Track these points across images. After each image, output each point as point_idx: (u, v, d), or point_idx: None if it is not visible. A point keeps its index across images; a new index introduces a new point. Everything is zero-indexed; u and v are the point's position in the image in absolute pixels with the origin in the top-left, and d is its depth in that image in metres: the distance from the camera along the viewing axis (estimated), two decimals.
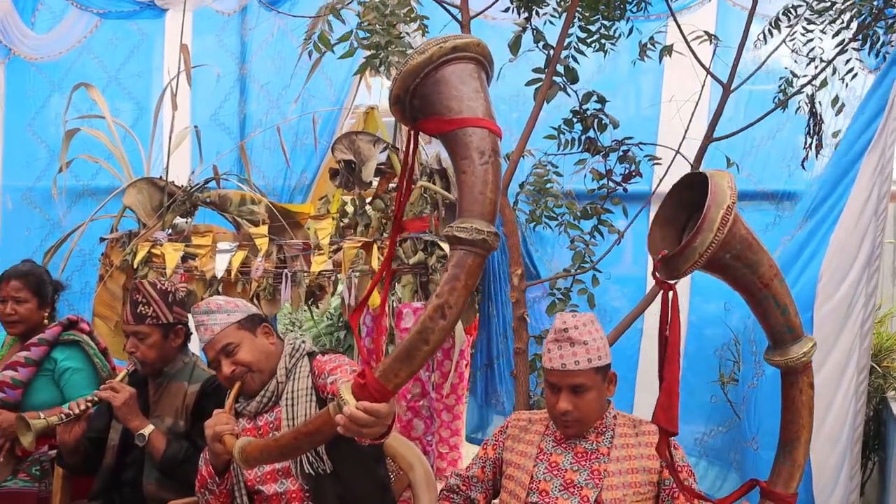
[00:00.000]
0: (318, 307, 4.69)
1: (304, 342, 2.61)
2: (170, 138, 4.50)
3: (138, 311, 2.87)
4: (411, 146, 1.77)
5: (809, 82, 3.22)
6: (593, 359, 2.29)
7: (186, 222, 4.58)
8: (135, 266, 4.23)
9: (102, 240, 4.46)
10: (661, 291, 1.74)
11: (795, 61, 3.41)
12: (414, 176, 3.70)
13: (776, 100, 3.33)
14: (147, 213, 4.40)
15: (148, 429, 2.75)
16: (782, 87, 3.32)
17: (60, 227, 5.70)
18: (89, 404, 2.78)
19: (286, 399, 2.45)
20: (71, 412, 2.74)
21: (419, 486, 2.73)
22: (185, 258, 4.24)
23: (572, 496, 2.29)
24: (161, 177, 4.48)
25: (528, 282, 3.13)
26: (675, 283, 1.71)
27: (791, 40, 3.42)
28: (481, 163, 1.57)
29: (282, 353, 2.54)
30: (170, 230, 4.40)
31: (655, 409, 1.76)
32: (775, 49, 3.30)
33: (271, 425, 2.48)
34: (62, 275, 4.49)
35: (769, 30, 3.41)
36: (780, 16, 3.37)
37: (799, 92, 3.27)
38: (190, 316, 2.74)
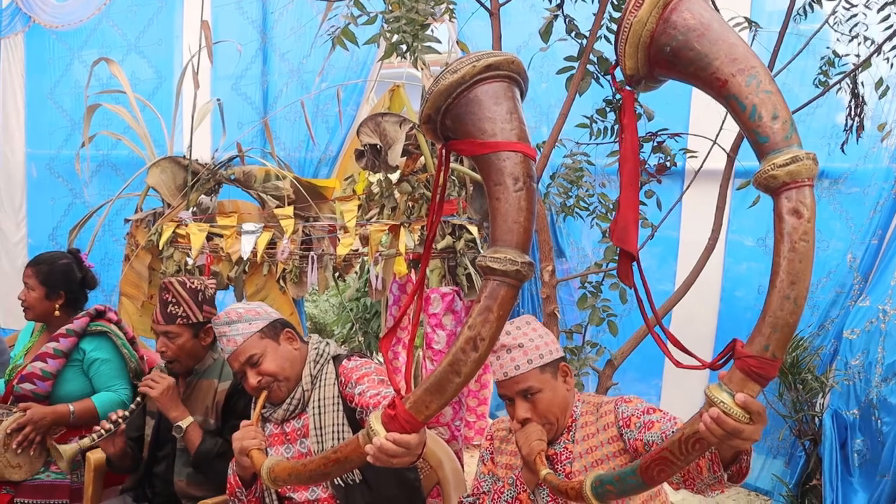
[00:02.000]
0: (343, 280, 4.66)
1: (328, 345, 2.56)
2: (192, 117, 4.43)
3: (168, 310, 2.85)
4: (443, 166, 1.70)
5: (857, 67, 3.08)
6: (533, 358, 2.20)
7: (211, 200, 4.54)
8: (160, 246, 4.21)
9: (127, 221, 4.43)
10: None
11: (838, 39, 3.27)
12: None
13: (816, 81, 3.19)
14: (171, 193, 4.36)
15: (186, 420, 2.75)
16: (823, 67, 3.17)
17: (82, 197, 5.72)
18: (121, 419, 2.77)
19: (313, 407, 2.42)
20: (102, 430, 2.74)
21: (448, 484, 2.71)
22: (210, 237, 4.21)
23: None
24: (184, 155, 4.42)
25: (559, 277, 3.05)
26: (632, 90, 1.57)
27: (833, 14, 3.28)
28: (515, 189, 1.52)
29: (306, 358, 2.50)
30: (195, 208, 4.36)
31: (609, 227, 1.60)
32: (817, 31, 3.16)
33: (299, 432, 2.46)
34: (89, 254, 4.48)
35: (810, 3, 3.27)
36: None
37: (843, 76, 3.13)
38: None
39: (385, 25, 2.60)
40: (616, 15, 2.97)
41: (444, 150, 1.68)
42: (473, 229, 3.74)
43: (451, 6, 2.84)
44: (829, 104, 3.67)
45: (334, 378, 2.45)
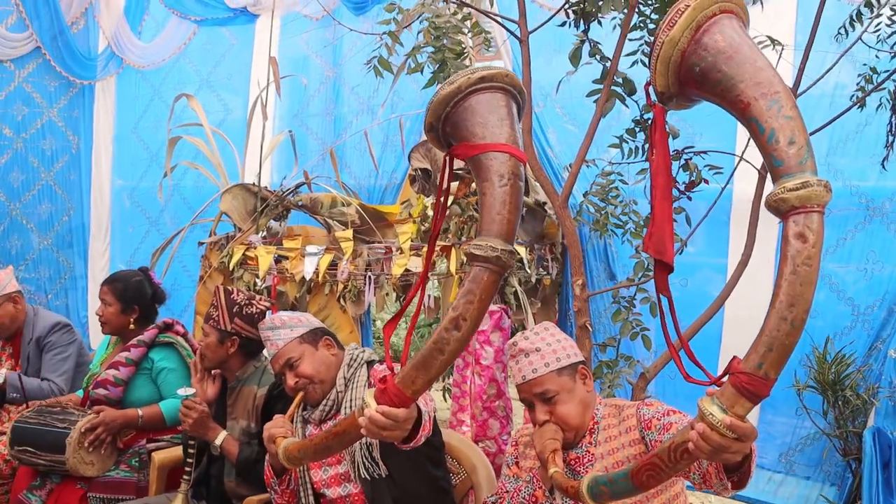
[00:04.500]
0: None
1: (363, 351, 2.72)
2: (261, 146, 4.71)
3: (209, 311, 3.13)
4: (446, 170, 1.84)
5: (889, 77, 3.10)
6: (551, 362, 2.24)
7: (280, 225, 4.80)
8: (231, 268, 4.48)
9: (201, 244, 4.73)
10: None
11: (877, 56, 3.28)
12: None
13: (854, 97, 3.22)
14: (241, 218, 4.64)
15: (219, 438, 2.95)
16: (860, 83, 3.19)
17: (157, 225, 6.10)
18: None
19: (345, 408, 2.57)
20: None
21: (481, 489, 2.81)
22: (277, 260, 4.45)
23: None
24: (254, 182, 4.70)
25: (593, 290, 3.14)
26: (664, 107, 1.60)
27: (875, 31, 3.29)
28: (500, 185, 1.64)
29: (342, 362, 2.66)
30: (264, 233, 4.63)
31: (644, 239, 1.62)
32: (850, 47, 3.19)
33: None
34: (165, 276, 4.79)
35: (850, 22, 3.29)
36: (863, 7, 3.23)
37: (877, 89, 3.15)
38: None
39: (411, 58, 2.77)
40: (650, 40, 3.08)
41: (447, 157, 1.83)
42: (522, 250, 3.87)
43: (489, 36, 3.01)
44: (880, 122, 3.64)
45: (365, 380, 2.60)
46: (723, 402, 1.38)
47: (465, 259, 3.89)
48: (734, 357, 1.40)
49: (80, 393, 3.74)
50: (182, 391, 3.01)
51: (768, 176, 1.40)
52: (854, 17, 3.26)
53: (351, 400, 2.58)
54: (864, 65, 3.23)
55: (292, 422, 2.53)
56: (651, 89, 1.64)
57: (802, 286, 1.32)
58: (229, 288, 3.16)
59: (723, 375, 1.44)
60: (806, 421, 3.91)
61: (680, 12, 1.50)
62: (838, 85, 3.65)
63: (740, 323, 4.09)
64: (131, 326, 3.59)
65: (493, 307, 3.84)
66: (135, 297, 3.61)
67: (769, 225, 3.43)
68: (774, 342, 1.34)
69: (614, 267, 4.15)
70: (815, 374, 3.73)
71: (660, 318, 1.67)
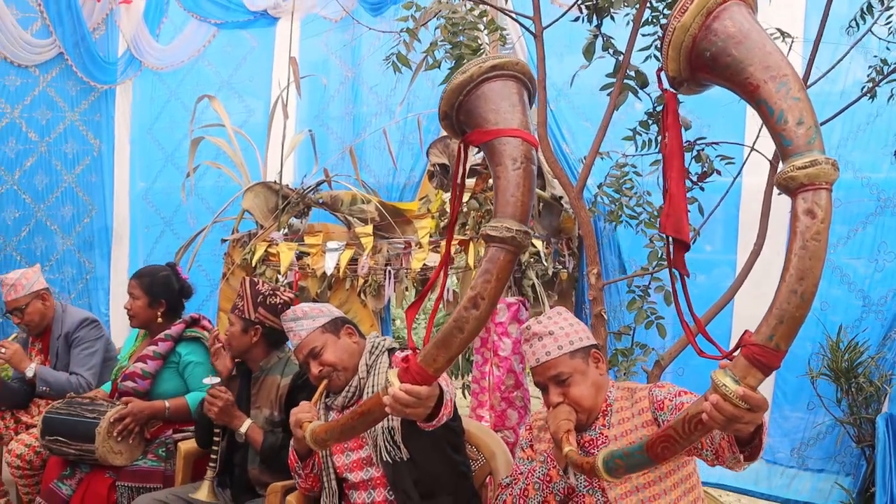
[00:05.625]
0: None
1: (384, 340, 2.79)
2: (282, 145, 4.79)
3: (234, 301, 3.23)
4: (461, 158, 1.90)
5: (890, 73, 3.14)
6: (563, 345, 2.30)
7: (301, 222, 4.89)
8: (253, 264, 4.57)
9: (224, 241, 4.82)
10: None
11: (888, 48, 3.32)
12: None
13: (864, 89, 3.26)
14: (263, 215, 4.73)
15: (245, 426, 3.03)
16: (871, 75, 3.23)
17: (171, 226, 6.19)
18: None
19: (367, 394, 2.63)
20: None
21: (499, 475, 2.87)
22: (299, 256, 4.54)
23: (596, 489, 2.29)
24: (275, 181, 4.79)
25: (608, 279, 3.20)
26: (675, 92, 1.65)
27: (887, 23, 3.33)
28: (514, 168, 1.70)
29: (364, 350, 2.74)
30: (286, 230, 4.72)
31: (661, 219, 1.66)
32: (860, 38, 3.23)
33: None
34: (189, 269, 4.89)
35: (861, 15, 3.33)
36: (873, 1, 3.27)
37: (887, 79, 3.18)
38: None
39: (429, 55, 2.84)
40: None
41: (461, 144, 1.90)
42: (539, 243, 3.94)
43: (504, 32, 3.07)
44: (892, 114, 3.67)
45: (387, 367, 2.67)
46: (735, 373, 1.42)
47: (482, 252, 3.97)
48: (745, 331, 1.44)
49: (107, 387, 3.83)
50: (207, 380, 3.09)
51: (780, 166, 1.44)
52: (864, 10, 3.30)
53: (373, 386, 2.65)
54: (875, 56, 3.27)
55: (316, 408, 2.60)
56: (663, 74, 1.68)
57: (812, 260, 1.37)
58: (254, 279, 3.24)
59: (734, 349, 1.48)
60: (819, 415, 3.94)
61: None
62: (850, 78, 3.68)
63: (753, 314, 4.13)
64: (158, 320, 3.69)
65: (510, 299, 3.91)
66: (162, 292, 3.70)
67: (780, 220, 3.48)
68: (785, 315, 1.38)
69: (627, 263, 4.21)
70: (829, 363, 3.76)
71: (673, 299, 1.71)
